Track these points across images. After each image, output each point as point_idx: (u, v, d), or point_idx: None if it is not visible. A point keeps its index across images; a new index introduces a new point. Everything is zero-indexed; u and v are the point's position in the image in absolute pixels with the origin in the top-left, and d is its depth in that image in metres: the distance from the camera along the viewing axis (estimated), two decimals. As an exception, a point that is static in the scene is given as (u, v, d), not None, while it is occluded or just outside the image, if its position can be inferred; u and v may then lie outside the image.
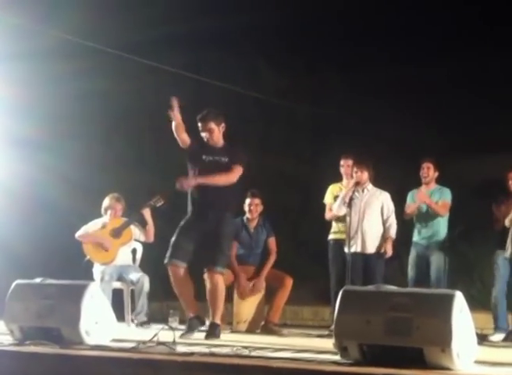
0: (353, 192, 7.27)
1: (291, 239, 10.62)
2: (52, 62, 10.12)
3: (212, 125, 6.14)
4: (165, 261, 6.13)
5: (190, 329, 6.02)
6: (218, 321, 6.06)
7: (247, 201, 7.71)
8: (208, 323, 6.22)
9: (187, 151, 6.24)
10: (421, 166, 7.75)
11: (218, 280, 6.04)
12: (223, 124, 6.21)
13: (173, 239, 6.17)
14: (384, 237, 7.43)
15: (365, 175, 7.48)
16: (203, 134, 6.19)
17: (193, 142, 6.22)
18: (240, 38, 11.86)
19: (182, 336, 5.75)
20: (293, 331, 7.65)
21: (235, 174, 6.11)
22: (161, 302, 9.08)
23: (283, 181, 11.79)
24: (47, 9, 10.25)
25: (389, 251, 7.41)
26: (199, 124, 6.18)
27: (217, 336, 5.93)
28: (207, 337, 5.85)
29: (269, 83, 12.63)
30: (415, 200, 7.71)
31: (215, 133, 6.16)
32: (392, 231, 7.46)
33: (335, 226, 7.69)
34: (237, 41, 11.95)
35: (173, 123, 6.13)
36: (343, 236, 7.51)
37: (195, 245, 6.09)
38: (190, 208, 6.26)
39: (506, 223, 7.11)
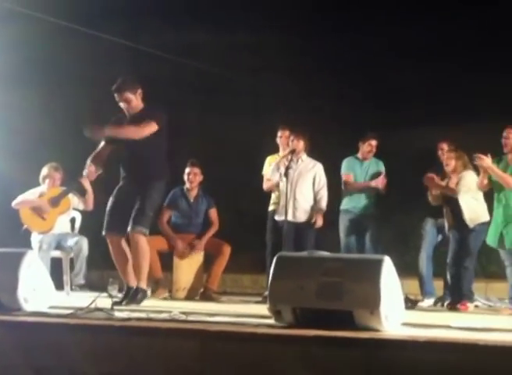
0: (289, 161, 7.35)
1: (231, 209, 10.71)
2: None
3: (128, 94, 6.04)
4: (103, 232, 6.14)
5: (125, 298, 5.99)
6: (143, 285, 6.02)
7: (187, 170, 7.79)
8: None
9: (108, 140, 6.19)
10: (368, 143, 7.83)
11: (138, 240, 5.97)
12: (140, 90, 6.10)
13: (108, 209, 6.17)
14: (315, 209, 7.53)
15: (301, 144, 7.56)
16: (121, 104, 6.12)
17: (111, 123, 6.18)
18: (178, 8, 11.81)
19: (114, 304, 5.76)
20: (231, 298, 7.79)
21: (146, 128, 5.94)
22: (101, 271, 9.11)
23: (223, 152, 11.86)
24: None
25: (320, 222, 7.50)
26: (115, 95, 6.08)
27: (138, 301, 5.89)
28: (127, 303, 5.81)
29: (208, 52, 12.62)
30: (350, 171, 7.80)
31: (133, 101, 6.07)
32: (323, 204, 7.53)
33: (274, 197, 7.79)
34: (176, 10, 11.89)
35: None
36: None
37: (123, 212, 6.06)
38: (121, 178, 6.25)
39: (430, 200, 7.32)
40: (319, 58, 12.02)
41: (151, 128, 5.97)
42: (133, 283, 6.09)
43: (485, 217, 6.98)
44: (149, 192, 6.05)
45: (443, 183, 7.15)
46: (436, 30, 11.24)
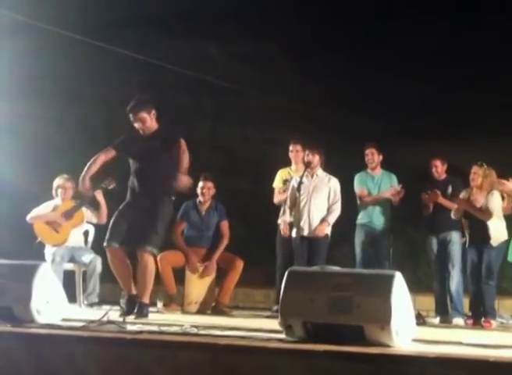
0: (302, 176, 7.32)
1: (242, 222, 10.74)
2: (5, 42, 10.05)
3: (143, 114, 6.09)
4: (104, 244, 6.13)
5: (128, 309, 6.00)
6: (146, 300, 6.05)
7: (200, 184, 7.82)
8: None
9: (118, 149, 6.26)
10: (365, 153, 7.81)
11: (147, 260, 6.01)
12: (154, 111, 6.15)
13: (112, 222, 6.19)
14: (321, 220, 7.45)
15: (316, 158, 7.57)
16: (135, 124, 6.16)
17: (124, 139, 6.26)
18: (189, 21, 11.90)
19: (120, 316, 5.70)
20: (243, 313, 7.79)
21: (183, 149, 6.03)
22: (114, 284, 9.08)
23: (234, 164, 11.90)
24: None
25: (321, 232, 7.37)
26: (130, 115, 6.13)
27: (145, 315, 5.93)
28: (136, 317, 5.83)
29: (219, 66, 12.69)
30: (363, 186, 7.80)
31: (147, 121, 6.11)
32: (331, 217, 7.46)
33: (283, 210, 7.79)
34: (187, 23, 11.97)
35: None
36: (290, 219, 7.62)
37: (132, 226, 6.08)
38: (128, 193, 6.28)
39: (453, 215, 7.28)
40: (327, 74, 12.07)
41: (183, 145, 6.04)
42: (134, 291, 6.14)
43: (506, 236, 6.98)
44: (161, 210, 6.09)
45: (462, 197, 7.15)
46: (447, 42, 11.27)
